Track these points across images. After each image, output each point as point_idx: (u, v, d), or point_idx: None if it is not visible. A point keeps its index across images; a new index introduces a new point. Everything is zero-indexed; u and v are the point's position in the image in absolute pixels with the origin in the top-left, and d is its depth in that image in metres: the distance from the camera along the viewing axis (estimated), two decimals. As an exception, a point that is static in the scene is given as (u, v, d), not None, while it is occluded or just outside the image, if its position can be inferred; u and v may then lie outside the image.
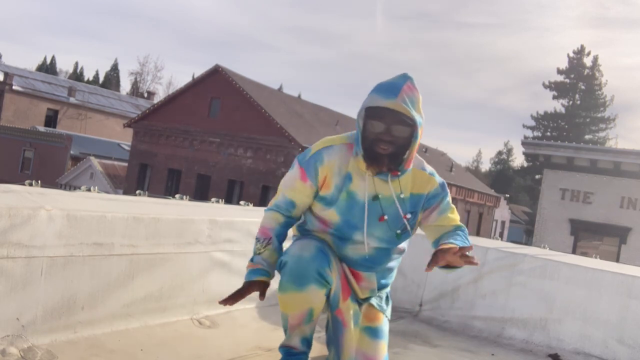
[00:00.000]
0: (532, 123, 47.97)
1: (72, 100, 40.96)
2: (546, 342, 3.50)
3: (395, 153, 2.10)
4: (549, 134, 46.68)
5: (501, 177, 62.82)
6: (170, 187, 26.41)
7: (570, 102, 46.34)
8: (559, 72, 46.71)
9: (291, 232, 2.39)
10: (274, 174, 23.67)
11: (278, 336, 2.51)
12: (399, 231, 2.24)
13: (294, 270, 2.12)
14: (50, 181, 26.87)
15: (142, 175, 27.61)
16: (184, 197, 3.41)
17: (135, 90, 60.88)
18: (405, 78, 2.13)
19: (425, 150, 33.87)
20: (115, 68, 73.08)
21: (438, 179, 2.30)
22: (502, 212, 42.95)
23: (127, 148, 31.25)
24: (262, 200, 22.64)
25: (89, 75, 72.95)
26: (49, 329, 2.27)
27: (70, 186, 26.98)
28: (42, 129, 35.00)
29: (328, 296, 2.20)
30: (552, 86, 46.81)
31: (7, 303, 2.13)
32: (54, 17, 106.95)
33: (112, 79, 69.73)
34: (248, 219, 3.26)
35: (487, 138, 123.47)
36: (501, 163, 68.36)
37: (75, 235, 2.33)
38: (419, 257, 3.87)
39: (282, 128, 23.29)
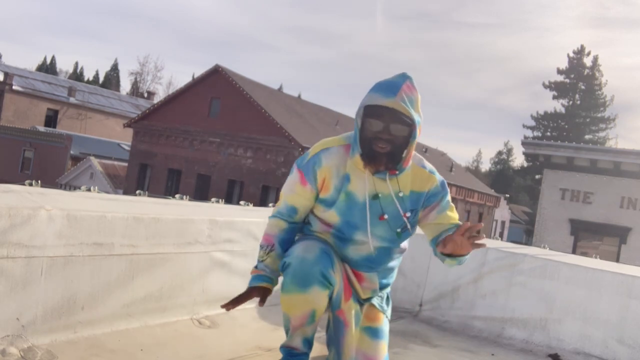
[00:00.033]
0: (532, 123, 48.01)
1: (72, 100, 40.96)
2: (546, 342, 3.50)
3: (393, 152, 2.10)
4: (549, 134, 46.68)
5: (501, 177, 62.83)
6: (170, 187, 26.41)
7: (570, 102, 46.34)
8: (559, 72, 46.74)
9: None
10: (274, 174, 23.68)
11: (278, 336, 2.51)
12: (399, 230, 2.24)
13: (298, 271, 2.12)
14: (50, 181, 26.88)
15: (142, 175, 27.61)
16: (184, 197, 3.41)
17: (135, 90, 60.89)
18: (404, 77, 2.14)
19: (425, 150, 33.87)
20: (115, 68, 73.10)
21: (438, 177, 2.30)
22: (502, 212, 42.96)
23: (127, 148, 31.25)
24: (262, 200, 22.64)
25: (89, 75, 73.04)
26: (49, 329, 2.27)
27: (70, 186, 26.98)
28: (42, 129, 35.01)
29: (330, 297, 2.20)
30: (552, 86, 46.82)
31: (7, 303, 2.13)
32: (54, 17, 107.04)
33: (112, 79, 69.72)
34: (248, 219, 3.26)
35: (487, 138, 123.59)
36: (501, 163, 68.37)
37: (75, 235, 2.33)
38: (419, 257, 3.88)
39: (282, 128, 23.29)
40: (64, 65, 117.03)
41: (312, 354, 2.30)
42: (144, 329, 2.63)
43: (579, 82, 46.06)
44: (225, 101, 25.27)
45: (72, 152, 31.56)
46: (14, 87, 37.93)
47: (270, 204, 4.95)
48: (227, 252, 3.11)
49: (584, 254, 10.13)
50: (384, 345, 2.28)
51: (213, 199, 3.58)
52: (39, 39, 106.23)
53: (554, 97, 47.08)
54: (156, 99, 44.98)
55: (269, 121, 23.61)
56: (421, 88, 2.15)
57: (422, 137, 2.18)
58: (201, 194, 23.81)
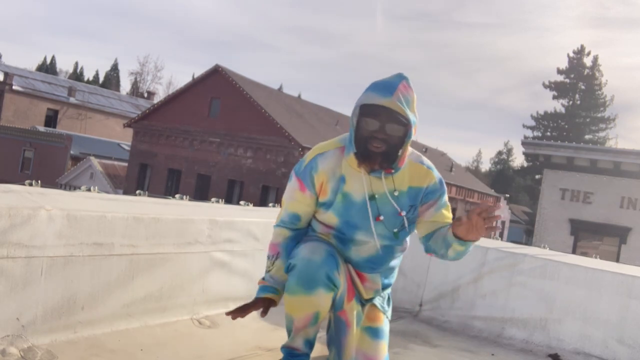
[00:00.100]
0: (532, 123, 47.99)
1: (72, 100, 40.96)
2: (546, 342, 3.50)
3: (388, 151, 2.10)
4: (549, 134, 46.67)
5: (501, 177, 62.82)
6: (170, 187, 26.41)
7: (570, 102, 46.33)
8: (559, 72, 46.73)
9: None
10: (274, 174, 23.68)
11: (278, 336, 2.51)
12: (395, 230, 2.24)
13: (303, 273, 2.12)
14: (50, 181, 26.88)
15: (142, 175, 27.61)
16: (184, 197, 3.41)
17: (135, 90, 60.89)
18: (400, 77, 2.14)
19: (425, 150, 33.87)
20: (115, 68, 73.10)
21: (436, 174, 2.29)
22: (502, 212, 42.96)
23: (127, 148, 31.25)
24: (262, 200, 22.64)
25: (89, 75, 73.05)
26: (49, 329, 2.27)
27: (70, 186, 26.98)
28: (42, 129, 35.00)
29: (333, 299, 2.20)
30: (552, 86, 46.81)
31: (7, 303, 2.13)
32: (54, 17, 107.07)
33: (112, 79, 69.73)
34: (248, 219, 3.26)
35: (487, 138, 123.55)
36: (501, 163, 68.35)
37: (75, 235, 2.33)
38: (419, 257, 3.87)
39: (282, 128, 23.29)
40: (64, 65, 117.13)
41: (313, 354, 2.30)
42: (144, 329, 2.63)
43: (579, 82, 46.06)
44: (225, 101, 25.27)
45: (72, 152, 31.56)
46: (14, 87, 37.93)
47: (270, 204, 4.95)
48: (227, 252, 3.11)
49: (584, 254, 10.13)
50: (384, 345, 2.29)
51: (213, 199, 3.58)
52: (39, 39, 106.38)
53: (554, 97, 47.09)
54: (156, 99, 44.98)
55: (269, 121, 23.61)
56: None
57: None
58: (201, 194, 23.82)
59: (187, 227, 2.86)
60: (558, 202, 14.69)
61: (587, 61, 46.33)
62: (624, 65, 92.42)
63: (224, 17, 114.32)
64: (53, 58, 72.56)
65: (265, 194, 23.65)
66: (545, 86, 47.27)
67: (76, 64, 76.18)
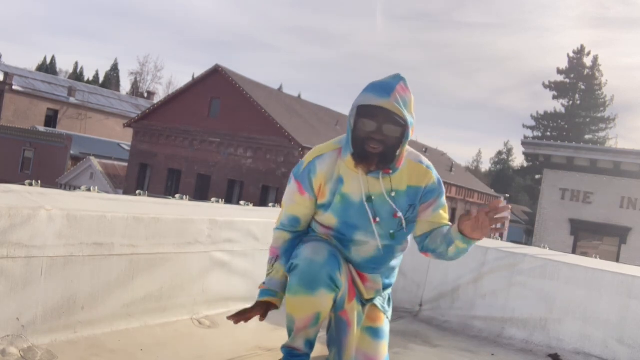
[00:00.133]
0: (532, 123, 47.95)
1: (72, 100, 40.96)
2: (546, 342, 3.50)
3: (385, 152, 2.11)
4: (549, 134, 46.65)
5: (501, 177, 62.82)
6: (170, 187, 26.41)
7: (570, 102, 46.31)
8: (559, 72, 46.70)
9: None
10: (274, 174, 23.68)
11: (278, 336, 2.51)
12: (392, 231, 2.24)
13: (305, 273, 2.12)
14: (50, 181, 26.88)
15: (142, 175, 27.61)
16: (184, 197, 3.41)
17: (135, 90, 60.89)
18: (398, 78, 2.14)
19: (425, 150, 33.88)
20: (115, 68, 73.10)
21: (435, 173, 2.30)
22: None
23: (127, 148, 31.25)
24: (262, 200, 22.64)
25: (89, 75, 73.03)
26: (49, 329, 2.27)
27: (70, 186, 26.98)
28: (42, 129, 35.01)
29: (335, 299, 2.20)
30: (552, 86, 46.78)
31: (7, 303, 2.13)
32: (54, 17, 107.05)
33: (112, 79, 69.72)
34: (248, 219, 3.26)
35: (487, 138, 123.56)
36: (501, 163, 68.36)
37: (75, 235, 2.33)
38: (419, 257, 3.86)
39: (282, 128, 23.29)
40: (64, 65, 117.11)
41: (313, 354, 2.30)
42: (144, 329, 2.63)
43: (579, 82, 46.03)
44: (225, 101, 25.27)
45: (72, 152, 31.56)
46: (14, 87, 37.93)
47: (270, 204, 4.95)
48: (227, 252, 3.11)
49: (584, 254, 10.13)
50: (384, 345, 2.29)
51: (213, 199, 3.58)
52: (39, 39, 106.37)
53: (554, 97, 47.05)
54: (156, 99, 44.97)
55: (269, 121, 23.61)
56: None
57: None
58: (201, 194, 23.82)
59: (187, 227, 2.87)
60: (558, 202, 14.69)
61: (587, 61, 46.33)
62: (624, 65, 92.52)
63: (224, 17, 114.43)
64: (53, 58, 72.65)
65: (265, 194, 23.65)
66: (545, 86, 47.27)
67: (76, 64, 76.27)
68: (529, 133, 47.60)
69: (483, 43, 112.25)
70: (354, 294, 2.27)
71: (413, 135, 2.16)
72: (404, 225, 2.24)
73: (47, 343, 2.23)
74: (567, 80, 46.40)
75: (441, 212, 2.29)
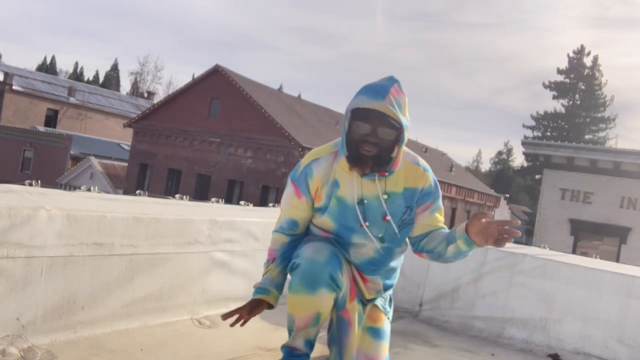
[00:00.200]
0: (532, 123, 47.97)
1: (72, 100, 40.96)
2: (546, 342, 3.50)
3: (379, 155, 2.10)
4: (549, 134, 46.66)
5: (501, 177, 62.82)
6: (170, 187, 26.41)
7: (570, 102, 46.32)
8: (559, 72, 46.71)
9: None
10: (274, 174, 23.68)
11: (278, 336, 2.52)
12: (380, 235, 2.23)
13: (307, 273, 2.13)
14: (50, 181, 26.88)
15: (142, 175, 27.61)
16: (184, 197, 3.41)
17: (135, 90, 60.89)
18: (392, 81, 2.13)
19: (425, 150, 33.88)
20: (115, 68, 73.09)
21: (432, 176, 2.29)
22: (502, 212, 42.95)
23: (127, 148, 31.25)
24: (262, 200, 22.64)
25: (89, 75, 73.02)
26: (49, 329, 2.27)
27: (70, 186, 26.98)
28: (42, 129, 35.00)
29: (336, 299, 2.20)
30: (552, 86, 46.80)
31: (7, 303, 2.13)
32: (54, 17, 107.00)
33: (112, 79, 69.72)
34: (248, 219, 3.27)
35: (487, 138, 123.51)
36: (501, 163, 68.35)
37: (75, 235, 2.34)
38: (418, 258, 3.87)
39: (282, 128, 23.29)
40: (64, 65, 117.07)
41: (313, 354, 2.31)
42: (144, 329, 2.63)
43: (579, 82, 46.04)
44: (225, 101, 25.27)
45: (72, 152, 31.56)
46: (14, 87, 37.93)
47: (270, 204, 4.95)
48: (227, 252, 3.11)
49: (584, 254, 10.13)
50: (385, 345, 2.29)
51: (213, 199, 3.58)
52: (39, 39, 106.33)
53: (554, 97, 47.07)
54: (156, 99, 44.98)
55: (269, 121, 23.61)
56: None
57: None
58: (201, 194, 23.82)
59: (187, 227, 2.87)
60: (558, 202, 14.69)
61: (587, 61, 46.35)
62: (624, 65, 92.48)
63: (224, 17, 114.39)
64: (53, 58, 72.62)
65: (265, 194, 23.64)
66: (545, 86, 47.28)
67: (76, 64, 76.25)
68: (529, 133, 47.64)
69: (483, 43, 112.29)
70: (355, 294, 2.27)
71: (408, 136, 2.15)
72: (395, 228, 2.23)
73: (47, 343, 2.23)
74: (567, 80, 46.42)
75: (437, 215, 2.29)
